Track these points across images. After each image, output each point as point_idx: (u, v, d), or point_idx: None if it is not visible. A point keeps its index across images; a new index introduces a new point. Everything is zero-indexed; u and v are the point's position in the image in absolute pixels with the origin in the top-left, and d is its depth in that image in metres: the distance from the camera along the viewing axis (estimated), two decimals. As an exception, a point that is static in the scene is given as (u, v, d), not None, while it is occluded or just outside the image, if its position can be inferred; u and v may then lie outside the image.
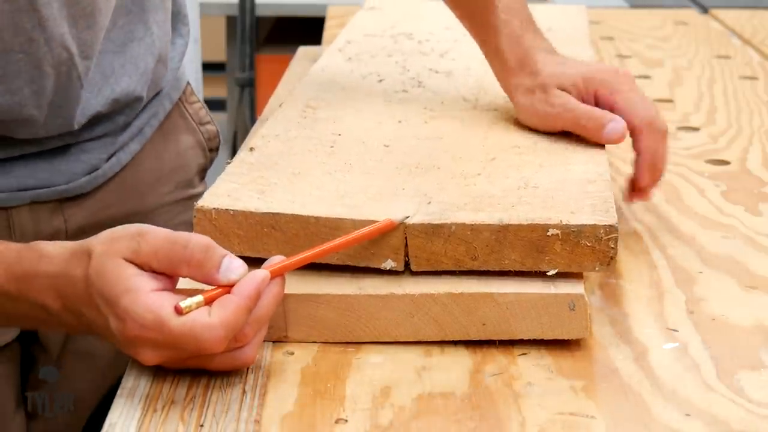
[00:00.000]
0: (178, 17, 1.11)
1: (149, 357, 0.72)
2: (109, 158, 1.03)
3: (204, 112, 1.18)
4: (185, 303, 0.70)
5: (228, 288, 0.72)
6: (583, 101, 0.97)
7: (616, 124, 0.94)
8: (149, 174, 1.08)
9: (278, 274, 0.74)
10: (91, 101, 0.98)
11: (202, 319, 0.70)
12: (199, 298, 0.70)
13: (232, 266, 0.72)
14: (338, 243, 0.78)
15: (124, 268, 0.71)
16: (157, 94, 1.08)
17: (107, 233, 0.74)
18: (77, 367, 1.06)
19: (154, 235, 0.72)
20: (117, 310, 0.70)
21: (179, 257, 0.72)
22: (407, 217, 0.79)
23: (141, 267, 0.72)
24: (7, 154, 0.96)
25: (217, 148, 1.19)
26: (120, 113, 1.02)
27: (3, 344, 1.00)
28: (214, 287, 0.72)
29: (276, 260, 0.75)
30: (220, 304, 0.70)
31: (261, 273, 0.72)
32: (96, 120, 1.00)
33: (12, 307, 0.78)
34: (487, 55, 1.07)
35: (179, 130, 1.13)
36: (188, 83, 1.16)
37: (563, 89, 0.98)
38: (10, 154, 0.96)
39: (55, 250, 0.76)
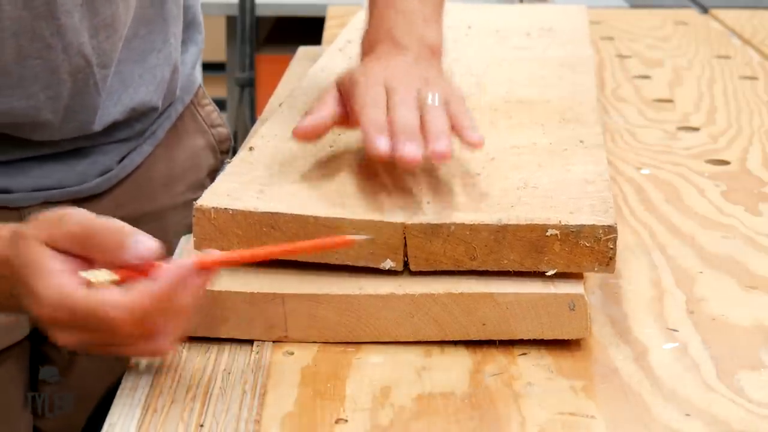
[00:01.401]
0: (193, 25, 1.12)
1: (63, 338, 0.71)
2: (121, 159, 1.03)
3: (215, 115, 1.19)
4: (87, 273, 0.69)
5: (146, 272, 0.70)
6: (347, 92, 0.89)
7: (302, 121, 0.87)
8: (161, 175, 1.09)
9: (206, 267, 0.71)
10: (110, 109, 0.99)
11: (111, 296, 0.68)
12: (105, 271, 0.69)
13: (141, 244, 0.70)
14: (283, 249, 0.76)
15: (39, 252, 0.70)
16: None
17: (38, 217, 0.73)
18: (88, 364, 1.07)
19: (71, 220, 0.71)
20: (29, 291, 0.70)
21: (91, 242, 0.70)
22: (366, 238, 0.78)
23: (56, 248, 0.71)
24: (22, 154, 0.97)
25: (228, 151, 1.20)
26: (137, 121, 1.03)
27: (13, 342, 1.00)
28: (130, 269, 0.70)
29: (213, 254, 0.73)
30: (134, 286, 0.69)
31: (184, 261, 0.70)
32: (113, 127, 1.00)
33: None
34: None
35: (191, 132, 1.14)
36: (200, 86, 1.17)
37: (338, 84, 0.91)
38: (25, 155, 0.97)
39: (3, 232, 0.75)
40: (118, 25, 0.95)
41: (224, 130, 1.19)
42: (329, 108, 0.88)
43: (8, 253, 0.73)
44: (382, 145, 0.80)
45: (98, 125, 0.98)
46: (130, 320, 0.68)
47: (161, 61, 1.03)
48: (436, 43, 0.98)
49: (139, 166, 1.06)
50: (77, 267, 0.70)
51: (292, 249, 0.77)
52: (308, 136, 0.86)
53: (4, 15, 0.85)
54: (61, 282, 0.69)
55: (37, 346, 1.05)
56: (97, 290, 0.68)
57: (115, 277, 0.69)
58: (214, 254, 0.72)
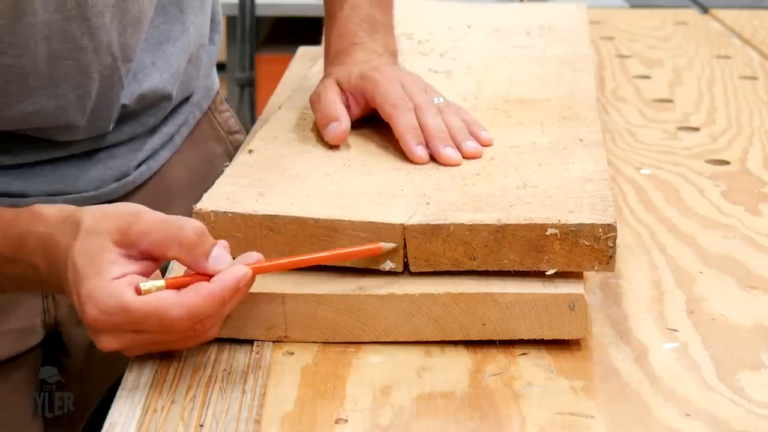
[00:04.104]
0: (212, 24, 1.12)
1: (108, 343, 0.72)
2: (139, 165, 1.03)
3: (233, 121, 1.19)
4: (146, 285, 0.71)
5: (188, 278, 0.72)
6: (351, 95, 0.98)
7: (336, 124, 0.94)
8: (178, 182, 1.08)
9: (259, 273, 0.74)
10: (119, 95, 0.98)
11: (169, 297, 0.70)
12: (161, 282, 0.71)
13: (221, 257, 0.73)
14: (323, 256, 0.78)
15: (103, 251, 0.71)
16: (188, 99, 1.09)
17: (100, 208, 0.74)
18: (102, 370, 1.06)
19: (149, 216, 0.73)
20: (80, 291, 0.71)
21: (173, 237, 0.72)
22: (393, 245, 0.79)
23: (126, 247, 0.72)
24: (37, 157, 0.96)
25: None
26: (147, 113, 1.02)
27: (27, 348, 1.00)
28: (177, 277, 0.73)
29: (253, 258, 0.74)
30: (194, 289, 0.71)
31: (242, 268, 0.72)
32: (123, 118, 1.00)
33: (7, 269, 0.79)
34: (324, 39, 1.11)
35: (208, 139, 1.14)
36: (218, 92, 1.17)
37: (338, 82, 1.00)
38: (40, 158, 0.96)
39: (51, 212, 0.76)
40: (144, 21, 0.95)
41: (241, 137, 1.19)
42: (345, 111, 0.96)
43: (63, 240, 0.73)
44: (421, 153, 0.91)
45: (113, 119, 0.98)
46: (187, 319, 0.70)
47: (178, 50, 1.02)
48: (396, 50, 1.09)
49: (156, 173, 1.06)
50: (136, 269, 0.72)
51: (330, 257, 0.78)
52: (341, 141, 0.95)
53: (37, 19, 0.85)
54: (116, 287, 0.70)
55: (50, 352, 1.05)
56: (151, 295, 0.70)
57: (162, 284, 0.71)
58: (257, 257, 0.74)
